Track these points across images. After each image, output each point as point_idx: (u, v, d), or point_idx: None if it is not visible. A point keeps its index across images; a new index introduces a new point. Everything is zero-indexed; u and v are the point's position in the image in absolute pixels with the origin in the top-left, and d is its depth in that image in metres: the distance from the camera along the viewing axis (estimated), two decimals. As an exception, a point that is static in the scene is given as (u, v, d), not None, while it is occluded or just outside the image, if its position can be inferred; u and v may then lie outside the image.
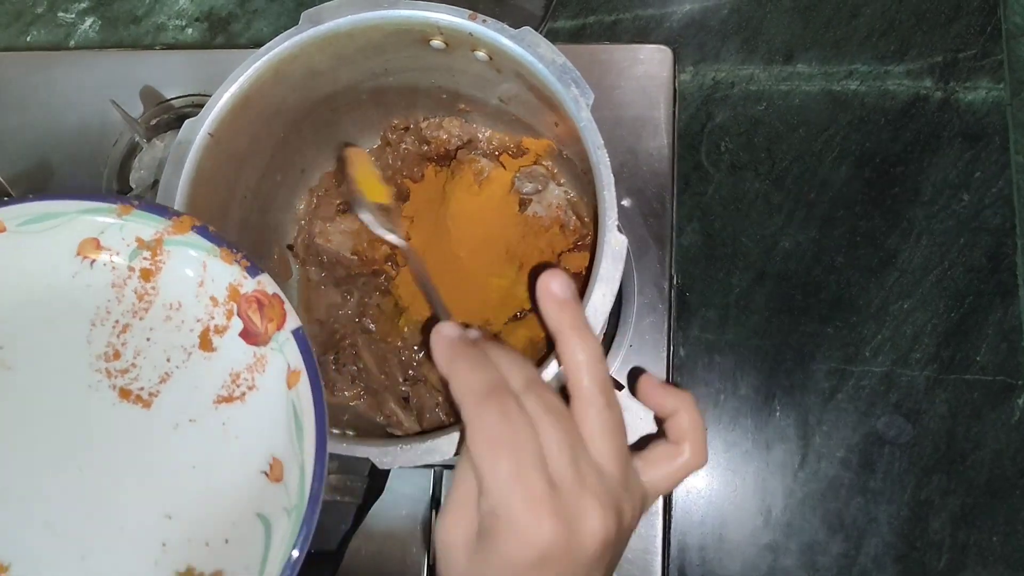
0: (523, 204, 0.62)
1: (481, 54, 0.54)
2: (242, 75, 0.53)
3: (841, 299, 0.73)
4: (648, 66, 0.77)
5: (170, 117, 0.80)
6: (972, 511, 0.69)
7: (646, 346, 0.72)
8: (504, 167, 0.64)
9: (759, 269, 0.75)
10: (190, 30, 0.86)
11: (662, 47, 0.78)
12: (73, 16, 0.87)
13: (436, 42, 0.54)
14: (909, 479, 0.70)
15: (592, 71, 0.76)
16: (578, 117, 0.49)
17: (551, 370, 0.47)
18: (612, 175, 0.48)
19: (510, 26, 0.51)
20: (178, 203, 0.53)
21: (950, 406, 0.71)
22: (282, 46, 0.53)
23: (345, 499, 0.50)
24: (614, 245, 0.47)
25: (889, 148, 0.76)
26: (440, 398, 0.60)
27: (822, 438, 0.71)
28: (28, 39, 0.87)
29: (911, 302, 0.73)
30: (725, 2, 0.80)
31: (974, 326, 0.72)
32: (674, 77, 0.78)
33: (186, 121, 0.53)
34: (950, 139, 0.75)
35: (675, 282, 0.74)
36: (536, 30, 0.51)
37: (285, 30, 0.54)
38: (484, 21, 0.51)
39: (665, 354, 0.72)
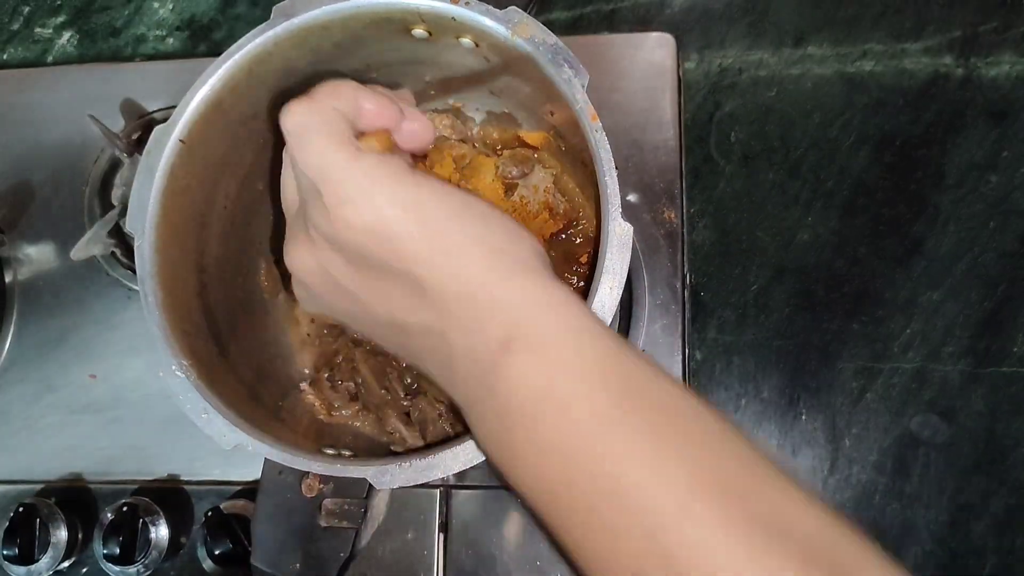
0: (509, 189, 0.61)
1: (467, 41, 0.52)
2: (212, 76, 0.51)
3: (866, 292, 0.72)
4: (650, 55, 0.75)
5: (152, 130, 0.78)
6: (1016, 513, 0.68)
7: (660, 350, 0.70)
8: (488, 155, 0.62)
9: (777, 264, 0.73)
10: (171, 40, 0.85)
11: (664, 35, 0.76)
12: (50, 31, 0.86)
13: (418, 31, 0.52)
14: (947, 482, 0.69)
15: (591, 63, 0.73)
16: (573, 99, 0.47)
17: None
18: (612, 159, 0.46)
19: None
20: (151, 214, 0.51)
21: (987, 402, 0.69)
22: (254, 43, 0.51)
23: (343, 524, 0.49)
24: (619, 234, 0.45)
25: (910, 130, 0.74)
26: (442, 408, 0.58)
27: (852, 441, 0.70)
28: (5, 56, 0.86)
29: (941, 292, 0.71)
30: (729, -15, 0.80)
31: (1009, 315, 0.71)
32: (678, 66, 0.76)
33: (155, 128, 0.51)
34: (974, 118, 0.74)
35: (688, 281, 0.72)
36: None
37: (267, 33, 0.52)
38: (467, 4, 0.49)
39: (680, 358, 0.70)
